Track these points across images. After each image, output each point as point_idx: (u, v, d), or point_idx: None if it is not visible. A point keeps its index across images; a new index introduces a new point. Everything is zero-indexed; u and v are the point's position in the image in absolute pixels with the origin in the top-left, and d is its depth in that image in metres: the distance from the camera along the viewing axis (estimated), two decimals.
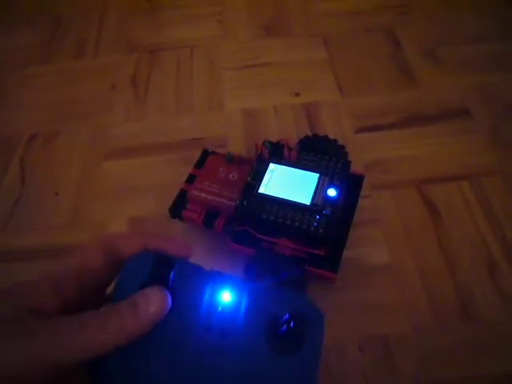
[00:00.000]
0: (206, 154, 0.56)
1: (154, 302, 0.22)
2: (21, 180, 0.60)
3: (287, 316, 0.23)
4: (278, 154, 0.50)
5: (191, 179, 0.53)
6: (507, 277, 0.48)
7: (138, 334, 0.21)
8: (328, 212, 0.45)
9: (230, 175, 0.52)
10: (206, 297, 0.23)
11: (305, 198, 0.46)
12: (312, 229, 0.44)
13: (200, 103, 0.67)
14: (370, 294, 0.47)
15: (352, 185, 0.51)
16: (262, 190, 0.47)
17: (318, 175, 0.48)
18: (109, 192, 0.58)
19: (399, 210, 0.53)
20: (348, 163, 0.50)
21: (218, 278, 0.24)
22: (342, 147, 0.53)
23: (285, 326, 0.23)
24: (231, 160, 0.53)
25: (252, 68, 0.71)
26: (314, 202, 0.46)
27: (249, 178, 0.48)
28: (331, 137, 0.54)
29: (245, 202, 0.46)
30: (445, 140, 0.60)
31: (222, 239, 0.49)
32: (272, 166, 0.49)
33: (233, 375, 0.22)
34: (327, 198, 0.46)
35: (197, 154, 0.56)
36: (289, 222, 0.45)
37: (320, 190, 0.47)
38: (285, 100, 0.66)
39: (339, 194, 0.47)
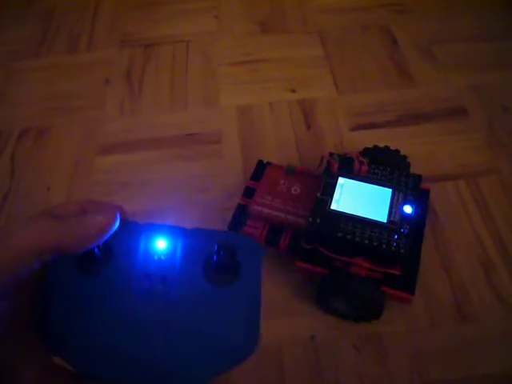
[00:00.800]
0: (261, 165, 0.52)
1: (100, 213, 0.22)
2: (10, 174, 0.59)
3: (216, 247, 0.23)
4: (347, 167, 0.47)
5: (249, 193, 0.49)
6: (503, 277, 0.47)
7: (86, 239, 0.21)
8: (406, 230, 0.42)
9: (292, 189, 0.49)
10: (142, 248, 0.24)
11: (380, 215, 0.43)
12: (393, 249, 0.41)
13: (195, 99, 0.66)
14: None
15: (421, 199, 0.48)
16: (334, 206, 0.44)
17: (390, 190, 0.45)
18: (101, 187, 0.57)
19: None
20: (419, 177, 0.47)
21: (151, 229, 0.24)
22: (404, 158, 0.50)
23: (216, 256, 0.23)
24: (292, 172, 0.50)
25: (247, 64, 0.70)
26: (391, 219, 0.43)
27: (319, 194, 0.45)
28: (392, 147, 0.51)
29: (318, 220, 0.42)
30: (441, 139, 0.59)
31: (282, 256, 0.47)
32: (341, 180, 0.46)
33: (177, 315, 0.23)
34: (403, 215, 0.43)
35: (191, 150, 0.55)
36: (367, 241, 0.41)
37: (395, 206, 0.44)
38: (280, 96, 0.65)
39: (415, 210, 0.44)
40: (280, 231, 0.46)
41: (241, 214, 0.48)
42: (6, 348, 0.21)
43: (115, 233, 0.23)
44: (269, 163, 0.52)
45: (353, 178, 0.46)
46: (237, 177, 0.56)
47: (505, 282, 0.47)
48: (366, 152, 0.50)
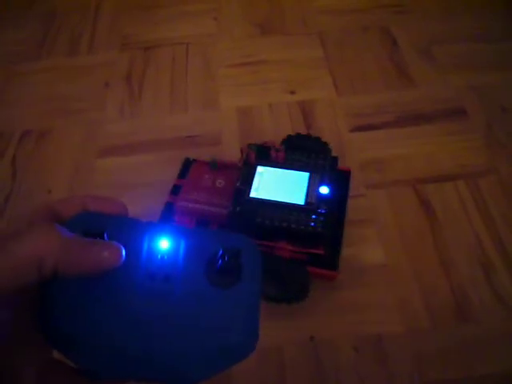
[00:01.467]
0: (188, 162, 0.55)
1: (107, 248, 0.22)
2: (12, 176, 0.59)
3: (221, 251, 0.24)
4: (265, 156, 0.49)
5: (176, 190, 0.52)
6: (502, 277, 0.47)
7: (87, 270, 0.21)
8: (323, 210, 0.44)
9: (217, 182, 0.51)
10: (145, 247, 0.24)
11: (298, 198, 0.46)
12: (310, 229, 0.43)
13: (195, 101, 0.66)
14: (365, 294, 0.47)
15: (340, 181, 0.51)
16: (253, 194, 0.46)
17: (308, 174, 0.47)
18: (102, 189, 0.57)
19: (394, 210, 0.53)
20: (335, 159, 0.50)
21: (154, 228, 0.25)
22: (326, 144, 0.52)
23: (220, 261, 0.24)
24: (216, 167, 0.52)
25: (247, 65, 0.70)
26: (308, 201, 0.45)
27: (238, 184, 0.47)
28: (313, 134, 0.54)
29: (237, 208, 0.45)
30: (440, 139, 0.59)
31: None
32: (260, 168, 0.48)
33: (178, 314, 0.23)
34: (320, 196, 0.46)
35: (191, 151, 0.56)
36: (285, 224, 0.44)
37: (312, 188, 0.46)
38: (280, 98, 0.65)
39: (332, 191, 0.46)
40: (207, 224, 0.48)
41: (169, 212, 0.50)
42: (6, 346, 0.21)
43: (118, 229, 0.24)
44: (195, 160, 0.55)
45: (271, 166, 0.48)
46: None
47: (504, 282, 0.47)
48: (288, 140, 0.53)
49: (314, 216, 0.44)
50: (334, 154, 0.51)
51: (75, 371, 0.24)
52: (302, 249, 0.44)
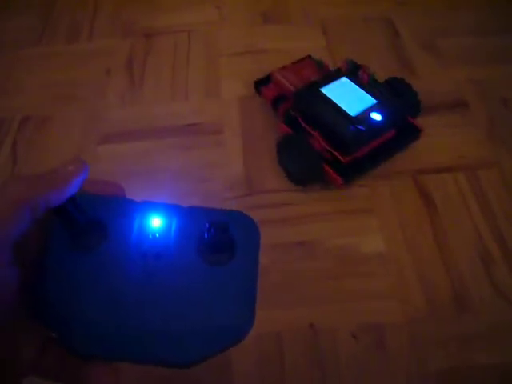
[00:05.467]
0: (307, 58, 0.62)
1: (70, 162, 0.24)
2: (12, 162, 0.59)
3: (207, 225, 0.23)
4: (355, 73, 0.54)
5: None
6: (501, 269, 0.48)
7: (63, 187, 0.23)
8: (363, 128, 0.49)
9: (312, 76, 0.56)
10: (137, 226, 0.24)
11: (352, 110, 0.50)
12: (340, 133, 0.49)
13: (196, 89, 0.66)
14: (365, 283, 0.47)
15: (406, 132, 0.55)
16: (324, 90, 0.52)
17: (375, 101, 0.51)
18: (102, 176, 0.56)
19: (395, 201, 0.53)
20: (415, 108, 0.56)
21: (146, 207, 0.25)
22: (415, 93, 0.56)
23: (206, 234, 0.23)
24: (321, 66, 0.59)
25: (249, 54, 0.70)
26: (358, 117, 0.49)
27: (316, 78, 0.54)
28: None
29: (303, 93, 0.53)
30: (442, 131, 0.59)
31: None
32: (344, 79, 0.54)
33: (171, 294, 0.23)
34: (370, 119, 0.50)
35: (192, 140, 0.55)
36: (328, 119, 0.50)
37: (368, 111, 0.50)
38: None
39: (383, 122, 0.50)
40: (284, 100, 0.57)
41: (268, 80, 0.60)
42: (9, 326, 0.22)
43: (111, 209, 0.24)
44: (310, 57, 0.62)
45: (352, 81, 0.54)
46: (238, 167, 0.56)
47: (503, 274, 0.47)
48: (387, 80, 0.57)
49: (352, 127, 0.49)
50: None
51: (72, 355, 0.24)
52: (330, 148, 0.50)
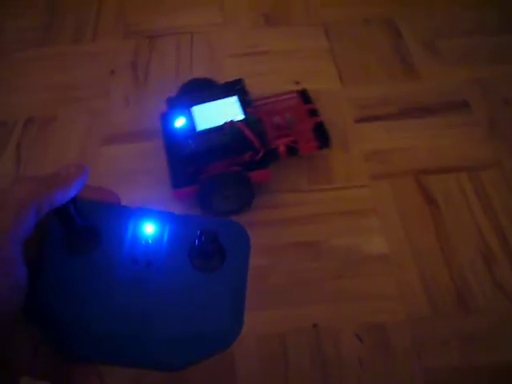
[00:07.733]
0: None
1: (73, 166, 0.24)
2: (16, 163, 0.59)
3: (198, 233, 0.24)
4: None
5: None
6: (503, 268, 0.48)
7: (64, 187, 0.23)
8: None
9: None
10: (130, 232, 0.24)
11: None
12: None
13: None
14: (367, 283, 0.47)
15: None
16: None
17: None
18: (106, 177, 0.57)
19: (397, 201, 0.53)
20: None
21: (140, 214, 0.25)
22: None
23: (197, 242, 0.24)
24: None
25: (252, 55, 0.70)
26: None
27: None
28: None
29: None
30: (443, 132, 0.60)
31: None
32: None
33: (161, 299, 0.23)
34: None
35: None
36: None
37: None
38: (285, 88, 0.65)
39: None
40: None
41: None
42: (9, 325, 0.22)
43: (105, 215, 0.24)
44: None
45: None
46: None
47: (506, 272, 0.48)
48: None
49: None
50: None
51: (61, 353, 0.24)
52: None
